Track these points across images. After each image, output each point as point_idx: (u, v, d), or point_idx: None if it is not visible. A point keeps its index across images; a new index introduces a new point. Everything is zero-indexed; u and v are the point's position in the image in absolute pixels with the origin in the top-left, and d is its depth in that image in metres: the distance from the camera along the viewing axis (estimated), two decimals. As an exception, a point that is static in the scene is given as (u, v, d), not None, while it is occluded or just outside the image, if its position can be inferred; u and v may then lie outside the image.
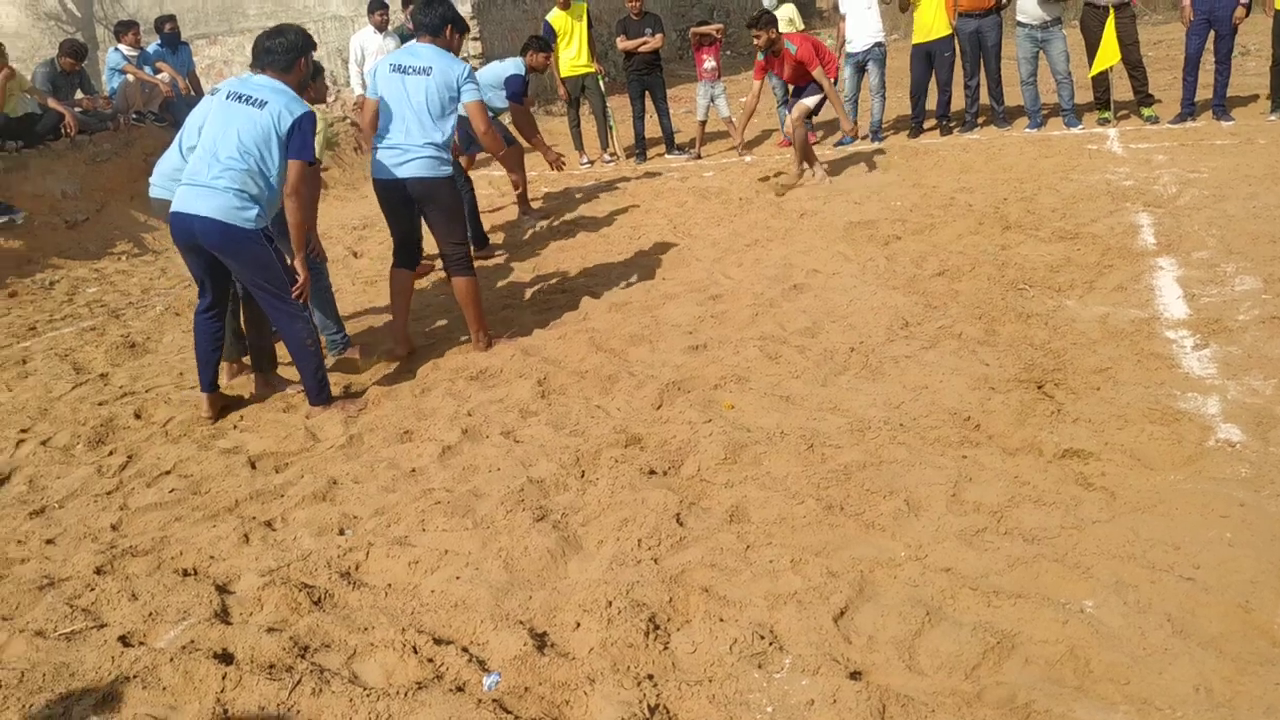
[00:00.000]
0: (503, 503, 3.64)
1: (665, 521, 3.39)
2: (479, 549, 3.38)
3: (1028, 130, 9.83)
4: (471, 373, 5.11)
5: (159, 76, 11.07)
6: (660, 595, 2.98)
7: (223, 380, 5.30)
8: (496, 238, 8.10)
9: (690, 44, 11.98)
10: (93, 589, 3.38)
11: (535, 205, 8.99)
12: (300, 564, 3.40)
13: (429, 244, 5.83)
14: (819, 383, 4.47)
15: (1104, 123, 9.65)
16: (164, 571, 3.47)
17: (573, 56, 10.74)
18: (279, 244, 4.62)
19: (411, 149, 5.07)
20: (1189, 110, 9.23)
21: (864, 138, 10.38)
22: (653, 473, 3.79)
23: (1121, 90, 9.99)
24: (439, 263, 6.10)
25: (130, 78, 10.86)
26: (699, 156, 10.76)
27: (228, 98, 4.51)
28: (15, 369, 6.08)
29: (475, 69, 5.95)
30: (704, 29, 10.83)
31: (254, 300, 4.82)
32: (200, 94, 11.06)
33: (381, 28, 10.55)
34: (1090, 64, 9.49)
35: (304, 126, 4.45)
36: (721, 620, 2.84)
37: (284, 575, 3.33)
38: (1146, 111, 9.53)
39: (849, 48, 10.16)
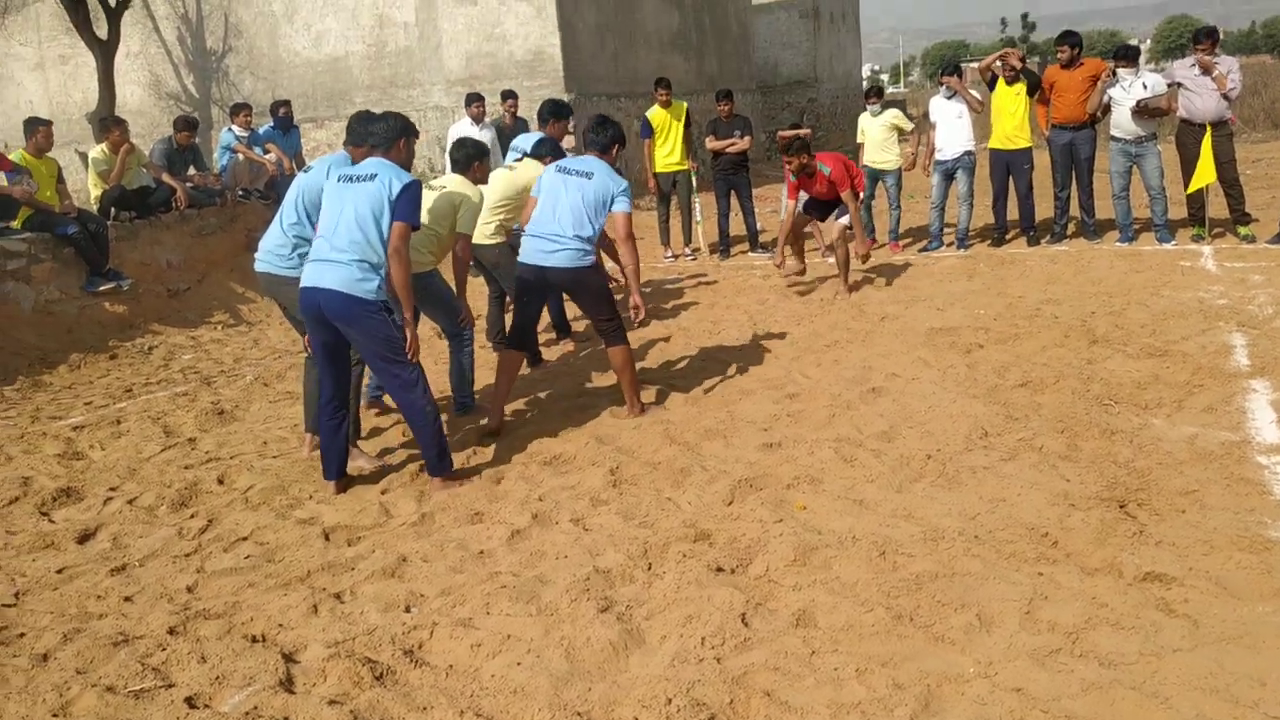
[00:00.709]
0: (568, 591, 3.64)
1: (730, 620, 3.35)
2: (541, 636, 3.38)
3: (1118, 244, 9.70)
4: (545, 458, 5.16)
5: (267, 156, 11.60)
6: (721, 696, 2.93)
7: (303, 453, 5.45)
8: (579, 325, 8.20)
9: (778, 146, 12.18)
10: (164, 649, 3.45)
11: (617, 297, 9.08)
12: (365, 638, 3.43)
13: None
14: (894, 489, 4.41)
15: (1198, 240, 9.48)
16: (234, 636, 3.53)
17: (667, 154, 11.00)
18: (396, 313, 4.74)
19: (562, 239, 5.46)
20: (1288, 230, 9.04)
21: (950, 245, 10.38)
22: (720, 570, 3.76)
23: (1217, 208, 9.79)
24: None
25: (240, 156, 11.40)
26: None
27: (339, 181, 4.76)
28: (109, 429, 6.33)
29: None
30: (791, 133, 11.01)
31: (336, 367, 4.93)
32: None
33: (478, 119, 10.91)
34: (1185, 181, 9.38)
35: (411, 192, 4.68)
36: (782, 727, 2.78)
37: (349, 649, 3.36)
38: (1243, 230, 9.36)
39: (938, 155, 10.21)
